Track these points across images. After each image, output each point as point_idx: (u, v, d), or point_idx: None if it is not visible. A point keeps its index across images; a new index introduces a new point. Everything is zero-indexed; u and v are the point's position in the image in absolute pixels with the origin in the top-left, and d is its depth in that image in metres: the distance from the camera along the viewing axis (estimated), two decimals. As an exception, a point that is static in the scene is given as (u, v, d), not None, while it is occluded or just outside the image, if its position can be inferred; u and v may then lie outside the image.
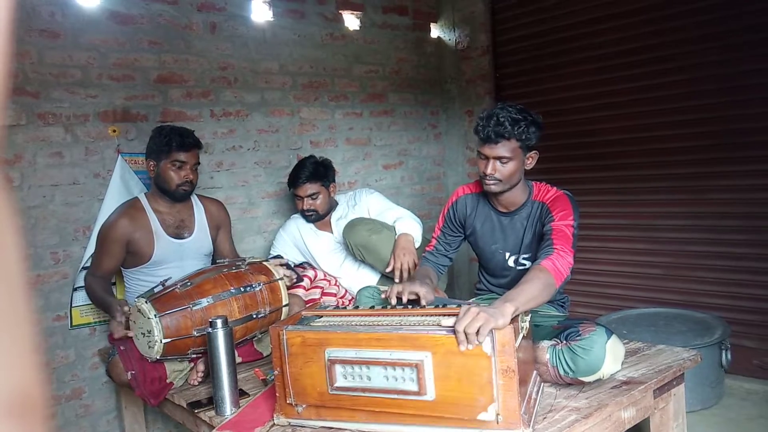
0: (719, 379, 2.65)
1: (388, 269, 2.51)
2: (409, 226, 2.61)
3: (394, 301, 1.88)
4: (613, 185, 3.31)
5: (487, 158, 1.95)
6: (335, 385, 1.54)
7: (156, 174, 2.38)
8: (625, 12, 3.14)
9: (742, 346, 2.83)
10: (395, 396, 1.49)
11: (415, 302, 1.88)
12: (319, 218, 2.82)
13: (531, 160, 1.98)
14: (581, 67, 3.35)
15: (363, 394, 1.52)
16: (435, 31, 3.94)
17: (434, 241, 2.27)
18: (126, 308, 2.09)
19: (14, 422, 0.28)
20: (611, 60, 3.22)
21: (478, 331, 1.38)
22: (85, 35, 2.57)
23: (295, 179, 2.77)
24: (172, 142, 2.33)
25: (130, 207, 2.38)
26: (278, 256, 2.64)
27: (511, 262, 2.10)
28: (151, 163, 2.39)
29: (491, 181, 1.96)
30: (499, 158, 1.92)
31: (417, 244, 2.55)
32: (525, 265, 2.05)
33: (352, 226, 2.63)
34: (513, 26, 3.69)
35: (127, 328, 2.08)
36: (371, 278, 2.73)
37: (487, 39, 3.78)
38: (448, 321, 1.48)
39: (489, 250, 2.14)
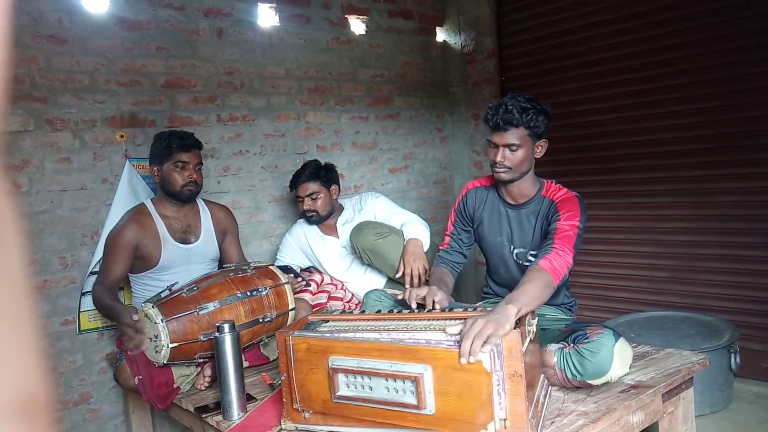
0: (728, 383, 2.63)
1: (398, 275, 2.50)
2: (417, 230, 2.60)
3: (414, 305, 1.89)
4: (618, 188, 3.30)
5: (497, 146, 1.97)
6: (338, 393, 1.53)
7: (161, 178, 2.40)
8: (629, 15, 3.14)
9: (751, 350, 2.81)
10: (396, 408, 1.47)
11: (403, 305, 1.90)
12: (320, 219, 2.82)
13: (540, 149, 2.00)
14: (587, 70, 3.35)
15: (365, 405, 1.51)
16: (440, 35, 3.94)
17: (448, 238, 2.26)
18: (135, 316, 2.04)
19: (20, 423, 0.28)
20: (617, 63, 3.21)
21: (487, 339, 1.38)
22: (93, 41, 2.59)
23: (295, 179, 2.79)
24: (172, 144, 2.35)
25: (137, 213, 2.39)
26: (287, 267, 2.63)
27: (515, 256, 2.10)
28: (155, 168, 2.40)
29: (501, 169, 1.98)
30: (508, 146, 1.95)
31: (426, 248, 2.54)
32: (531, 261, 2.04)
33: (359, 229, 2.63)
34: (518, 29, 3.69)
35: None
36: (378, 283, 2.73)
37: (492, 42, 3.78)
38: (453, 328, 1.47)
39: (494, 243, 2.14)
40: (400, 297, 2.01)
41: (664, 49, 3.03)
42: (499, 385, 1.38)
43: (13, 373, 0.29)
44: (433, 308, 1.85)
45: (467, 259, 2.30)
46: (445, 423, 1.43)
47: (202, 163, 2.46)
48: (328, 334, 1.59)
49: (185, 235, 2.46)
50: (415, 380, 1.43)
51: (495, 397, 1.38)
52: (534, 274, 1.69)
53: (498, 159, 1.96)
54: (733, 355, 2.58)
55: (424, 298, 1.89)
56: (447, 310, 1.76)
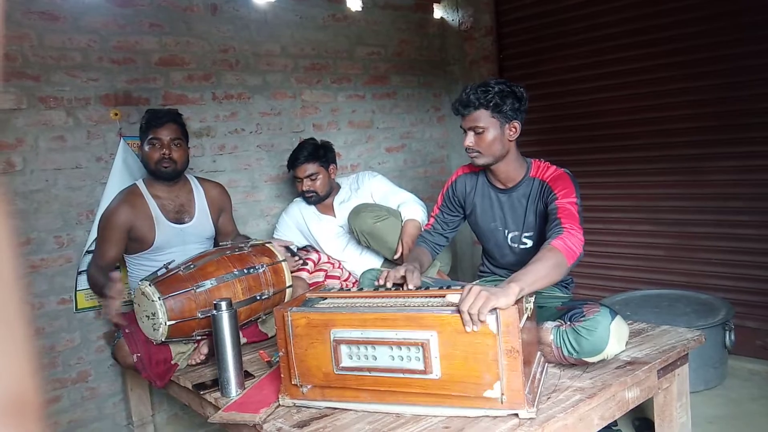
0: (722, 360, 2.65)
1: (396, 256, 2.50)
2: (415, 211, 2.60)
3: (390, 285, 1.89)
4: (616, 167, 3.30)
5: (465, 131, 1.97)
6: (341, 365, 1.54)
7: (142, 157, 2.39)
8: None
9: (746, 327, 2.83)
10: (401, 375, 1.49)
11: (401, 286, 1.89)
12: (319, 200, 2.81)
13: (513, 131, 1.95)
14: (585, 48, 3.32)
15: (369, 374, 1.53)
16: (438, 12, 3.90)
17: (432, 220, 2.27)
18: (116, 274, 2.02)
19: (10, 423, 0.28)
20: (614, 41, 3.19)
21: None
22: (85, 18, 2.55)
23: (294, 160, 2.76)
24: (148, 122, 2.34)
25: (129, 194, 2.37)
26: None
27: (510, 240, 2.09)
28: (140, 147, 2.40)
29: (473, 154, 1.97)
30: (473, 129, 1.94)
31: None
32: (527, 244, 2.04)
33: (357, 212, 2.61)
34: (516, 6, 3.65)
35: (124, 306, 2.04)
36: (374, 262, 2.73)
37: (490, 19, 3.74)
38: (453, 297, 1.49)
39: (488, 229, 2.14)
40: (376, 283, 1.99)
41: (664, 27, 3.00)
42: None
43: (4, 376, 0.28)
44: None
45: (449, 242, 2.31)
46: (450, 386, 1.45)
47: (181, 138, 2.39)
48: (327, 309, 1.59)
49: (179, 215, 2.44)
50: (422, 346, 1.45)
51: (500, 358, 1.39)
52: (545, 253, 1.65)
53: (467, 143, 1.95)
54: (728, 332, 2.60)
55: (403, 278, 1.89)
56: (440, 287, 1.77)
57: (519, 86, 1.95)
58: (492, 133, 1.92)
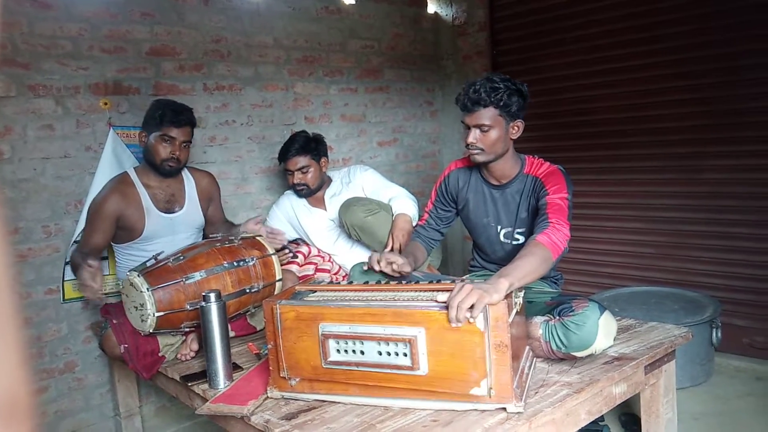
0: (709, 357, 2.67)
1: (387, 250, 2.50)
2: (406, 205, 2.60)
3: (377, 267, 1.93)
4: (609, 164, 3.31)
5: (469, 128, 1.95)
6: (329, 359, 1.54)
7: (146, 146, 2.36)
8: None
9: (733, 325, 2.85)
10: (388, 371, 1.49)
11: (391, 277, 1.94)
12: (310, 193, 2.80)
13: (516, 130, 1.96)
14: (579, 45, 3.33)
15: (356, 369, 1.52)
16: (432, 6, 3.89)
17: (426, 215, 2.27)
18: (92, 261, 1.99)
19: (2, 423, 0.28)
20: (608, 38, 3.20)
21: (472, 307, 1.38)
22: (76, 6, 2.52)
23: (285, 152, 2.74)
24: (165, 116, 2.30)
25: (120, 182, 2.35)
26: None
27: (502, 236, 2.09)
28: (143, 134, 2.36)
29: (475, 151, 1.96)
30: (479, 126, 1.93)
31: (414, 223, 2.54)
32: (519, 240, 2.04)
33: (348, 206, 2.60)
34: (511, 2, 3.65)
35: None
36: (365, 255, 2.72)
37: (484, 15, 3.74)
38: (443, 296, 1.48)
39: (481, 224, 2.14)
40: (365, 268, 2.04)
41: (658, 25, 3.01)
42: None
43: None
44: (393, 278, 1.91)
45: (444, 236, 2.32)
46: (437, 383, 1.45)
47: (190, 141, 2.40)
48: (316, 303, 1.59)
49: (169, 204, 2.43)
50: (410, 342, 1.45)
51: (489, 352, 1.39)
52: (531, 248, 1.67)
53: (470, 140, 1.94)
54: (714, 330, 2.62)
55: (390, 264, 1.94)
56: (407, 281, 1.79)
57: (522, 84, 1.95)
58: (497, 132, 1.92)
